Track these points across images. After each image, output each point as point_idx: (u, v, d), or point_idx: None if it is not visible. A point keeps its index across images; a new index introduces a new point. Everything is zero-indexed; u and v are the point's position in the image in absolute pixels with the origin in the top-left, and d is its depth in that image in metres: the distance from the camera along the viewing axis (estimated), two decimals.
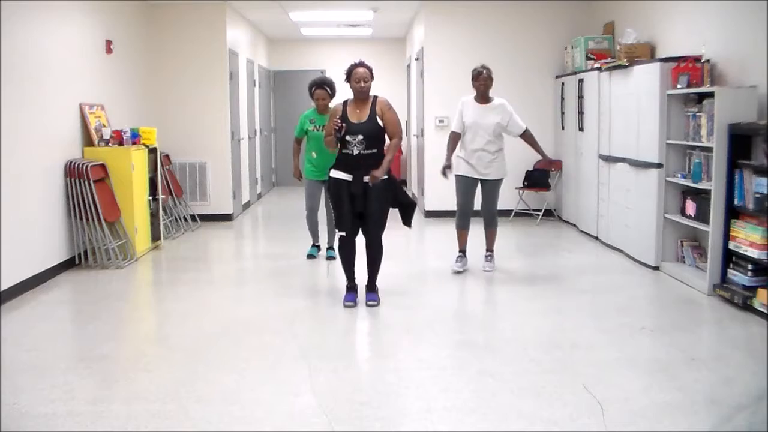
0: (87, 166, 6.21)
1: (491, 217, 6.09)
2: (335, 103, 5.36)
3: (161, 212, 7.51)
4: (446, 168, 5.82)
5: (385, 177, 4.89)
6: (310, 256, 6.62)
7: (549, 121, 8.93)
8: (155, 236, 7.31)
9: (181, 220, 8.36)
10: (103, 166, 6.50)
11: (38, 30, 5.80)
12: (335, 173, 5.00)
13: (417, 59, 9.89)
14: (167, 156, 8.47)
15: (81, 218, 6.26)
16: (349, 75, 4.96)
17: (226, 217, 9.09)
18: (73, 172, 6.19)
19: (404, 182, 12.74)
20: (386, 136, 4.99)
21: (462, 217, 6.04)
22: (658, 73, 5.87)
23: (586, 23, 8.62)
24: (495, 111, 5.87)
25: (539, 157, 8.85)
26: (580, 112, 7.93)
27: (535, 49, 8.89)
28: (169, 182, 8.15)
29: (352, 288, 5.12)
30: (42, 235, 5.85)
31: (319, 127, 6.31)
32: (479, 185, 5.99)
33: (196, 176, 9.01)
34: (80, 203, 6.21)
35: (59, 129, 6.21)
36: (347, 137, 4.87)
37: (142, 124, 7.71)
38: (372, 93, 4.99)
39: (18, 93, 5.44)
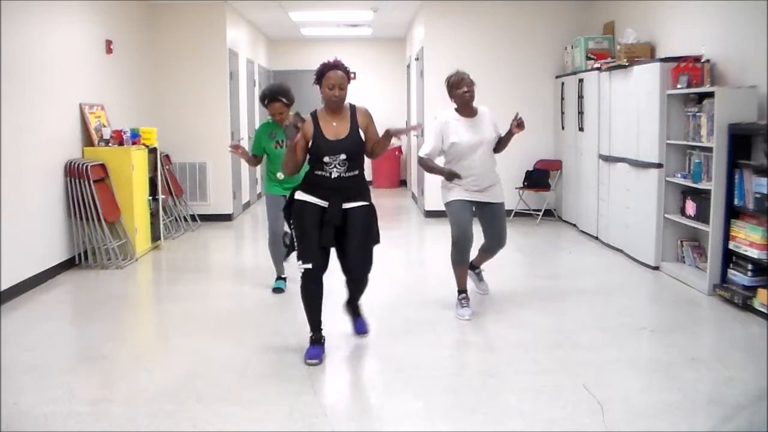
0: (87, 166, 6.21)
1: (501, 245, 5.03)
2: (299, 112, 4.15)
3: (161, 212, 7.52)
4: (451, 172, 4.70)
5: (368, 204, 4.04)
6: (278, 290, 5.55)
7: (549, 121, 8.94)
8: (155, 236, 7.31)
9: (181, 220, 8.36)
10: (103, 166, 6.50)
11: (38, 30, 5.79)
12: (303, 196, 3.95)
13: (417, 59, 9.88)
14: (167, 156, 8.47)
15: (81, 218, 6.26)
16: (320, 78, 3.97)
17: (226, 217, 9.09)
18: (73, 172, 6.19)
19: (404, 182, 12.73)
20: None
21: (463, 251, 4.80)
22: (658, 73, 5.87)
23: (586, 23, 8.62)
24: (487, 120, 4.84)
25: (539, 157, 9.01)
26: (580, 112, 7.93)
27: (535, 49, 8.89)
28: (169, 182, 8.15)
29: (317, 340, 4.03)
30: (42, 235, 5.85)
31: (282, 142, 5.22)
32: (474, 211, 4.88)
33: (196, 176, 9.01)
34: (80, 203, 6.21)
35: (59, 129, 6.21)
36: (325, 158, 3.86)
37: (142, 124, 7.71)
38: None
39: (18, 93, 5.44)
